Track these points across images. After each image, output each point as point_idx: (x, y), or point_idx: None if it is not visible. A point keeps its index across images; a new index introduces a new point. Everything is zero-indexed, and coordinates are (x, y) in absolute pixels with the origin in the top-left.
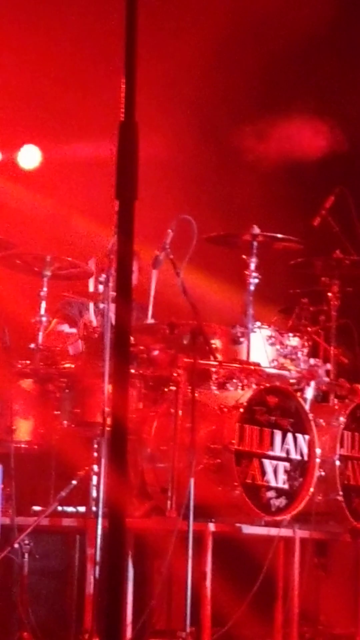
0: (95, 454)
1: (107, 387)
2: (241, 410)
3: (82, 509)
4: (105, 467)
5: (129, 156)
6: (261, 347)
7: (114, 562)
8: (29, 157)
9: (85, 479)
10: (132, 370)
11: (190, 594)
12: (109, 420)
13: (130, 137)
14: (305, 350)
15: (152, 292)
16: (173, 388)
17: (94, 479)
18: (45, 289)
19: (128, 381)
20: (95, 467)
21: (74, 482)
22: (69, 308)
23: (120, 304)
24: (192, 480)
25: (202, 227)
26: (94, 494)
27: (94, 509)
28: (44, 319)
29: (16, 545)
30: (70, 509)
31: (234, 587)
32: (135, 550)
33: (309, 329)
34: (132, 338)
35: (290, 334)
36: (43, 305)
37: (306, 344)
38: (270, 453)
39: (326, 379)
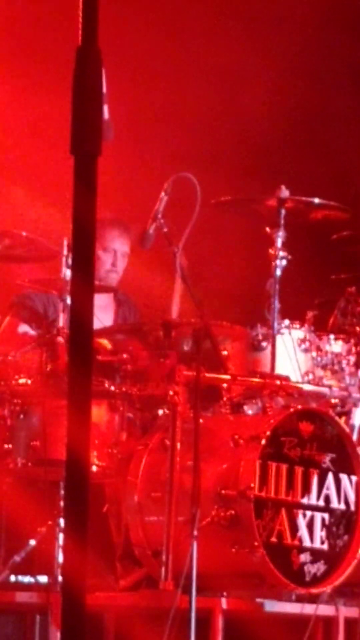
0: (62, 504)
1: None
2: (263, 442)
3: (43, 579)
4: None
5: (89, 96)
6: (291, 354)
7: None
8: None
9: (48, 538)
10: (112, 388)
11: None
12: None
13: (90, 68)
14: (353, 359)
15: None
16: (168, 412)
17: (60, 537)
18: None
19: (89, 399)
20: (62, 522)
21: (32, 542)
22: (29, 302)
23: (78, 284)
24: (195, 540)
25: (208, 188)
26: (60, 558)
27: (60, 578)
28: None
29: None
30: (26, 579)
31: None
32: (117, 635)
33: (357, 329)
34: (108, 343)
35: (332, 337)
36: None
37: (354, 349)
38: (304, 501)
39: None
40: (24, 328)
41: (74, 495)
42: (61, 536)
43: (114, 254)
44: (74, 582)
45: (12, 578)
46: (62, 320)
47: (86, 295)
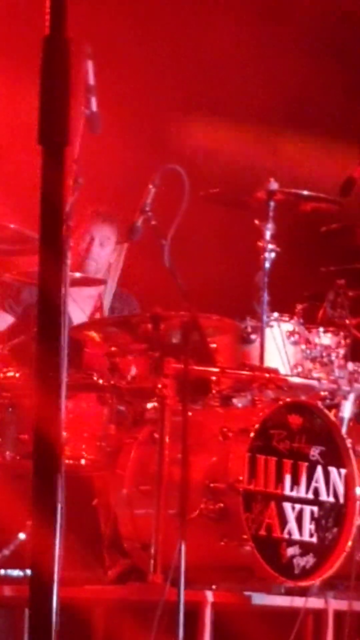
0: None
1: (66, 405)
2: (252, 434)
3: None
4: (63, 516)
5: (57, 85)
6: (280, 347)
7: None
8: None
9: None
10: (101, 381)
11: None
12: (67, 451)
13: (57, 58)
14: (342, 352)
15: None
16: (157, 405)
17: None
18: None
19: (59, 378)
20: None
21: (21, 536)
22: (16, 295)
23: (46, 258)
24: (183, 533)
25: (197, 180)
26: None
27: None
28: None
29: None
30: (15, 572)
31: None
32: (106, 628)
33: (347, 321)
34: (96, 336)
35: (321, 329)
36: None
37: (343, 342)
38: (293, 494)
39: None
40: (10, 321)
41: (42, 484)
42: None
43: (90, 240)
44: (43, 574)
45: (1, 572)
46: None
47: (53, 261)
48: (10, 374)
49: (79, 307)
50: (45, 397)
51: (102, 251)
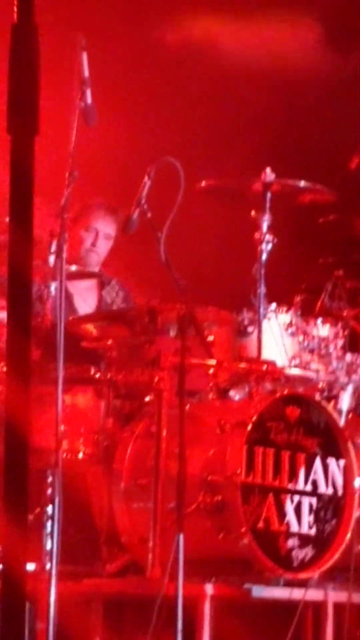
0: (49, 491)
1: (63, 398)
2: (250, 427)
3: (31, 566)
4: (60, 510)
5: (25, 73)
6: (278, 339)
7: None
8: None
9: (36, 525)
10: (98, 375)
11: None
12: (65, 444)
13: (26, 45)
14: (340, 343)
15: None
16: (154, 398)
17: (48, 525)
18: None
19: (28, 360)
20: (49, 509)
21: None
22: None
23: (15, 233)
24: (181, 526)
25: (192, 173)
26: (48, 545)
27: (48, 566)
28: None
29: None
30: None
31: None
32: (105, 622)
33: (345, 312)
34: (94, 329)
35: (319, 320)
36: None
37: (341, 333)
38: (291, 486)
39: None
40: (2, 316)
41: (13, 474)
42: (49, 524)
43: (96, 234)
44: (14, 565)
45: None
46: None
47: (22, 236)
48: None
49: (83, 300)
50: (14, 384)
51: (106, 245)
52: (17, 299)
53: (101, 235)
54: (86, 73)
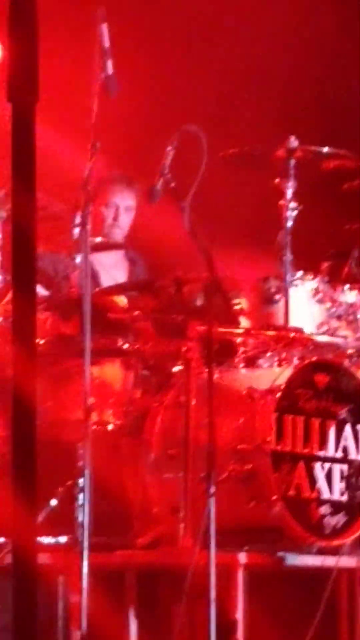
0: (80, 463)
1: (91, 371)
2: (279, 395)
3: (63, 539)
4: (91, 482)
5: (25, 42)
6: (305, 306)
7: (21, 614)
8: None
9: (67, 497)
10: (126, 345)
11: None
12: (94, 416)
13: (25, 15)
14: None
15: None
16: (182, 368)
17: (80, 497)
18: None
19: (34, 328)
20: (80, 481)
21: (53, 502)
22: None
23: (20, 192)
24: (212, 495)
25: (215, 141)
26: (80, 517)
27: (80, 539)
28: None
29: None
30: (47, 539)
31: (277, 638)
32: (139, 593)
33: None
34: (124, 300)
35: (346, 287)
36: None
37: None
38: (322, 453)
39: None
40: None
41: (21, 444)
42: (80, 496)
43: (116, 209)
44: (24, 541)
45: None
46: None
47: (27, 195)
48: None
49: (110, 276)
50: (20, 352)
51: (127, 217)
52: (22, 262)
53: (122, 209)
54: (107, 44)
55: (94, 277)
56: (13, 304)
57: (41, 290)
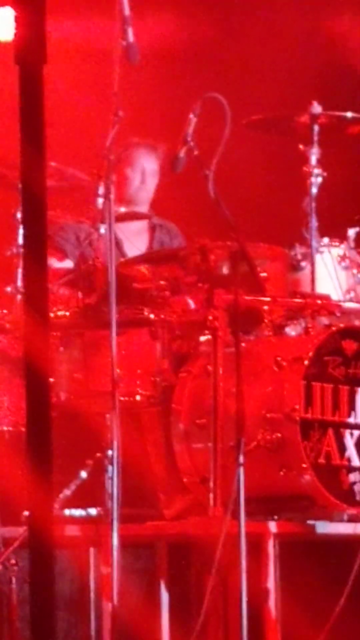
0: (109, 435)
1: (118, 341)
2: (307, 362)
3: (93, 511)
4: (119, 453)
5: (32, 3)
6: (331, 273)
7: (38, 589)
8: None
9: (97, 469)
10: (152, 316)
11: (249, 619)
12: (122, 387)
13: None
14: None
15: None
16: (209, 337)
17: (109, 469)
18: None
19: (46, 297)
20: (110, 453)
21: (83, 474)
22: (61, 234)
23: (29, 156)
24: (241, 464)
25: (238, 108)
26: (110, 489)
27: (110, 510)
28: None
29: None
30: (78, 512)
31: (309, 606)
32: (170, 563)
33: None
34: (145, 270)
35: None
36: (21, 231)
37: None
38: (351, 420)
39: None
40: (52, 261)
41: (35, 416)
42: (110, 468)
43: (143, 172)
44: (40, 516)
45: (67, 512)
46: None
47: (36, 157)
48: (61, 312)
49: (133, 245)
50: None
51: (153, 182)
52: (32, 230)
53: (148, 172)
54: (127, 11)
55: (118, 246)
56: (24, 274)
57: (66, 263)
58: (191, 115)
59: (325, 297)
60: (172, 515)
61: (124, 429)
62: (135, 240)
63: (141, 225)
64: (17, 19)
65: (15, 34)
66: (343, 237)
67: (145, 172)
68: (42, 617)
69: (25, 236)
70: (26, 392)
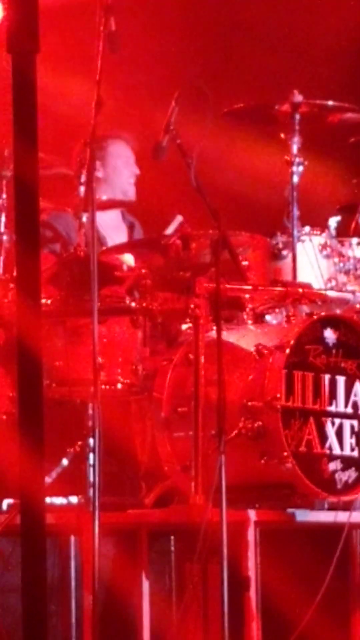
0: (90, 423)
1: (99, 329)
2: (288, 351)
3: (74, 499)
4: (101, 441)
5: None
6: (312, 261)
7: (30, 573)
8: None
9: (78, 457)
10: (134, 304)
11: (230, 607)
12: (103, 375)
13: None
14: None
15: None
16: (190, 325)
17: (90, 457)
18: (4, 195)
19: (38, 285)
20: (91, 441)
21: (64, 462)
22: (60, 221)
23: (21, 143)
24: (222, 453)
25: (220, 96)
26: (91, 477)
27: (91, 498)
28: (4, 237)
29: None
30: (59, 500)
31: (290, 594)
32: (151, 551)
33: None
34: (130, 259)
35: (354, 241)
36: (2, 219)
37: None
38: (332, 409)
39: None
40: (55, 247)
41: (27, 403)
42: (91, 456)
43: (134, 164)
44: (33, 502)
45: (47, 500)
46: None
47: (29, 150)
48: (43, 300)
49: (111, 237)
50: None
51: (130, 171)
52: (25, 219)
53: (123, 162)
54: (109, 0)
55: (101, 240)
56: (17, 262)
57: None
58: (173, 104)
59: (307, 286)
60: (152, 502)
61: (110, 416)
62: (112, 233)
63: (117, 219)
64: (9, 9)
65: (8, 24)
66: (324, 226)
67: (120, 161)
68: (34, 603)
69: (17, 227)
70: (18, 377)
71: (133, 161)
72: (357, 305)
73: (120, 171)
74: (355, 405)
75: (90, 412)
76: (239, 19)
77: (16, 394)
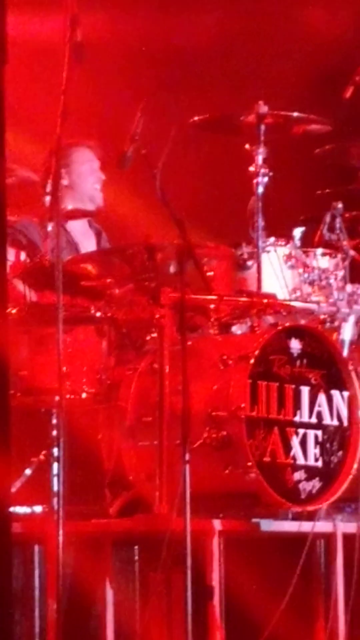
0: (54, 432)
1: (64, 338)
2: (252, 361)
3: (38, 508)
4: (65, 451)
5: None
6: (277, 272)
7: None
8: None
9: (43, 466)
10: (99, 313)
11: (194, 617)
12: (68, 385)
13: None
14: (341, 274)
15: None
16: (156, 335)
17: (54, 466)
18: None
19: (5, 294)
20: (55, 451)
21: (27, 472)
22: (30, 230)
23: None
24: (187, 462)
25: (185, 107)
26: (55, 487)
27: (56, 508)
28: None
29: None
30: (22, 509)
31: (253, 604)
32: (115, 561)
33: (344, 243)
34: (93, 268)
35: (319, 252)
36: None
37: (341, 264)
38: (296, 419)
39: None
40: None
41: None
42: (55, 465)
43: (99, 170)
44: None
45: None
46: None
47: None
48: (7, 310)
49: (85, 242)
50: None
51: (95, 180)
52: None
53: (87, 170)
54: (76, 10)
55: (74, 246)
56: None
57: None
58: (138, 114)
59: (271, 296)
60: (116, 511)
61: (76, 425)
62: (83, 241)
63: (85, 227)
64: None
65: None
66: (289, 237)
67: (85, 168)
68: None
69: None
70: None
71: (98, 167)
72: (322, 316)
73: (85, 178)
74: (319, 415)
75: (55, 421)
76: (205, 29)
77: None
